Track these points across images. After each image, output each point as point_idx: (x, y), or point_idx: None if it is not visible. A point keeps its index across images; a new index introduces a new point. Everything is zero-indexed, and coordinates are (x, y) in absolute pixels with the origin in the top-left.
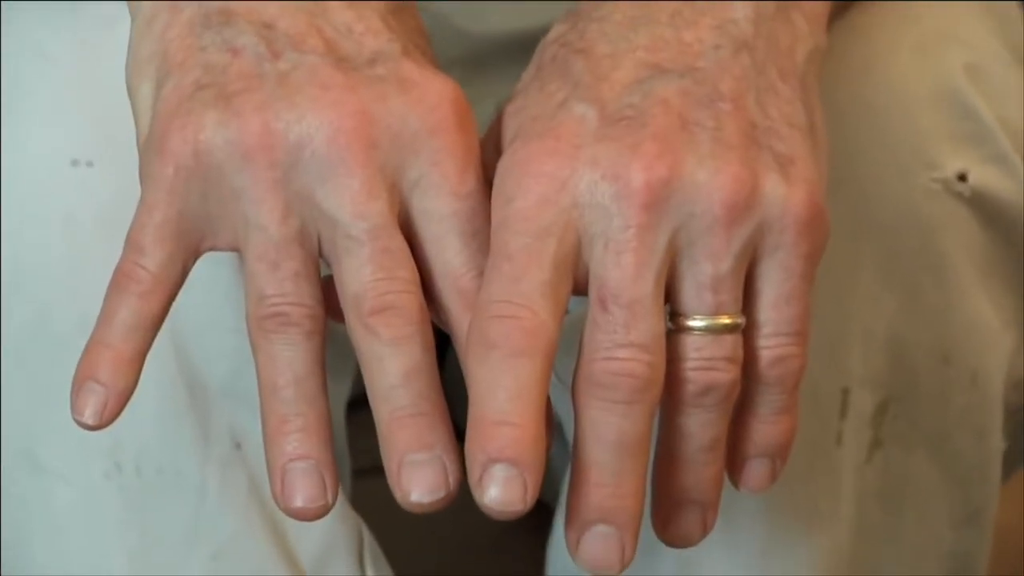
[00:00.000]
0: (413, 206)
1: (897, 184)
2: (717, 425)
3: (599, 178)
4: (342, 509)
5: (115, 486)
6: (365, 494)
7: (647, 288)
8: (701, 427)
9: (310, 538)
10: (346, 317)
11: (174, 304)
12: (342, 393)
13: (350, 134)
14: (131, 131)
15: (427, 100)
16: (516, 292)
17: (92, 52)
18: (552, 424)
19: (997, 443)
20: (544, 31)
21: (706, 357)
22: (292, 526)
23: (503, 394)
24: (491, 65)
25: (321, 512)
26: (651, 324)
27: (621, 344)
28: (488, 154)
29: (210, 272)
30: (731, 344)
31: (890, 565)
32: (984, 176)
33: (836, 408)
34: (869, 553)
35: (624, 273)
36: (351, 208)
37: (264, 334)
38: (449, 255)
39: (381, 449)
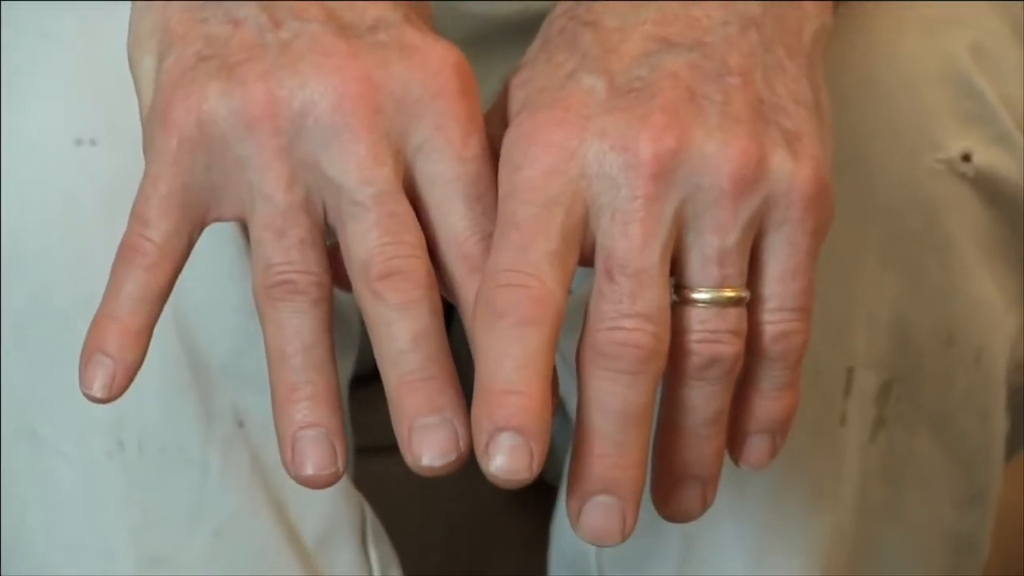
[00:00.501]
0: (417, 171)
1: (901, 165)
2: (720, 398)
3: (607, 149)
4: (345, 487)
5: (118, 464)
6: (368, 472)
7: (653, 259)
8: (704, 400)
9: (313, 516)
10: (353, 283)
11: (177, 283)
12: (345, 371)
13: (355, 100)
14: (134, 110)
15: (429, 65)
16: (524, 261)
17: (95, 30)
18: (556, 397)
19: (1000, 424)
20: (546, 11)
21: (711, 330)
22: (295, 504)
23: (511, 363)
24: (494, 46)
25: (332, 479)
26: (657, 295)
27: (627, 314)
28: (494, 126)
29: (213, 250)
30: (735, 317)
31: (892, 544)
32: (988, 157)
33: (840, 388)
34: (872, 532)
35: (631, 244)
36: (357, 174)
37: (271, 302)
38: (453, 220)
39: (391, 414)
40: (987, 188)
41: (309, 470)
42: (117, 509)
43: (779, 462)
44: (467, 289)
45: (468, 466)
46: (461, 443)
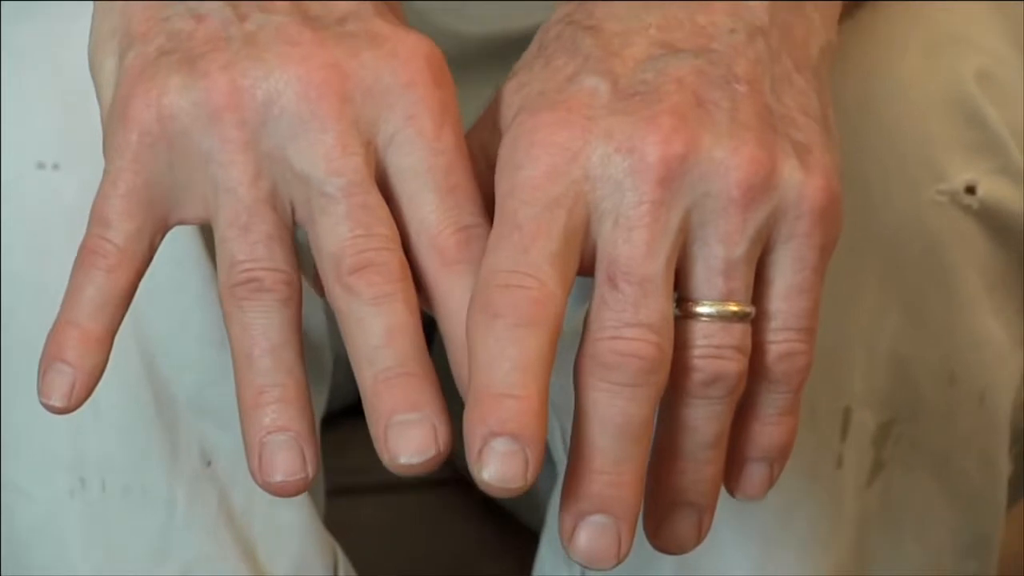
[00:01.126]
0: (389, 163)
1: (903, 195)
2: (721, 419)
3: (613, 151)
4: (316, 530)
5: (80, 502)
6: (340, 514)
7: (658, 267)
8: (705, 420)
9: (282, 559)
10: (323, 279)
11: (141, 312)
12: (317, 407)
13: (321, 88)
14: (99, 132)
15: (400, 54)
16: (524, 262)
17: (59, 49)
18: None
19: (1004, 467)
20: (529, 32)
21: (715, 345)
22: (264, 546)
23: (507, 364)
24: (475, 66)
25: (301, 486)
26: (661, 304)
27: (629, 323)
28: (485, 133)
29: (179, 279)
30: (740, 333)
31: None
32: (993, 188)
33: (837, 429)
34: None
35: (635, 251)
36: (324, 165)
37: (237, 302)
38: (425, 212)
39: (366, 414)
40: (992, 222)
41: (278, 477)
42: (80, 549)
43: (773, 507)
44: (440, 284)
45: (444, 509)
46: (440, 441)
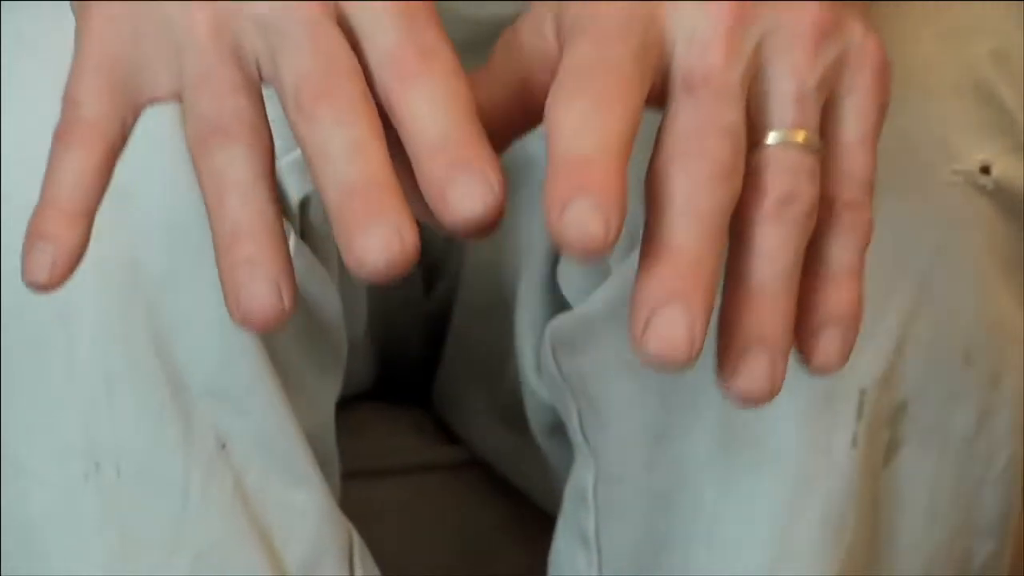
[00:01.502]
0: (348, 11)
1: (917, 176)
2: (795, 246)
3: None
4: (331, 512)
5: (94, 487)
6: (355, 497)
7: (736, 77)
8: (780, 244)
9: (298, 541)
10: (287, 114)
11: (154, 297)
12: (331, 391)
13: None
14: None
15: None
16: (604, 57)
17: (64, 37)
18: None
19: (1019, 447)
20: None
21: (788, 167)
22: (279, 529)
23: (592, 136)
24: (487, 50)
25: (280, 318)
26: (737, 115)
27: (708, 126)
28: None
29: (192, 265)
30: (812, 162)
31: (906, 571)
32: (1008, 168)
33: (852, 409)
34: (885, 559)
35: (712, 62)
36: (282, 5)
37: (206, 150)
38: (385, 39)
39: (335, 233)
40: (1007, 202)
41: (254, 310)
42: (93, 533)
43: (788, 488)
44: (401, 99)
45: (460, 492)
46: (406, 243)
